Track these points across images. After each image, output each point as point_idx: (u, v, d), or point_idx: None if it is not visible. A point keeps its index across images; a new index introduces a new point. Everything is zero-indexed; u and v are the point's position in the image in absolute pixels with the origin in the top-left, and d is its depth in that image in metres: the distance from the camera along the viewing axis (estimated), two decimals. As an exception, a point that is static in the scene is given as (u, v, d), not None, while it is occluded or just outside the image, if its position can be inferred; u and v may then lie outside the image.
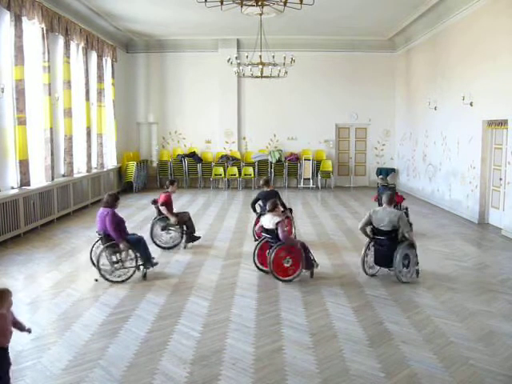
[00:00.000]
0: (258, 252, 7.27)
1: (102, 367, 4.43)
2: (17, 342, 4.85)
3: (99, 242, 7.04)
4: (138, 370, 4.38)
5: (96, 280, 6.84)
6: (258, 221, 8.40)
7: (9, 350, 3.75)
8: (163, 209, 8.47)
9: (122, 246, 6.80)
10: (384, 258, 6.92)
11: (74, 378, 4.25)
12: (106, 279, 6.79)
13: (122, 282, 6.80)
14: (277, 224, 6.87)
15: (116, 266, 6.85)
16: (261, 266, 7.29)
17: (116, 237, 6.76)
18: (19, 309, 5.87)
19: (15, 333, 5.10)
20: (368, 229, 7.05)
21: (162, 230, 8.64)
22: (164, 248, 8.64)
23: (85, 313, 5.75)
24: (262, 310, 5.86)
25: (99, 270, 6.75)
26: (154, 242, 8.55)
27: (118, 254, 6.88)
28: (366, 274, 7.12)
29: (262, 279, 7.06)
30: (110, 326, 5.38)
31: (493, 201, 11.03)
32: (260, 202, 9.08)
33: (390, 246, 6.79)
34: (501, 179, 10.52)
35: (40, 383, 4.18)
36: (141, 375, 4.30)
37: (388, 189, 10.04)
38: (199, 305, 6.00)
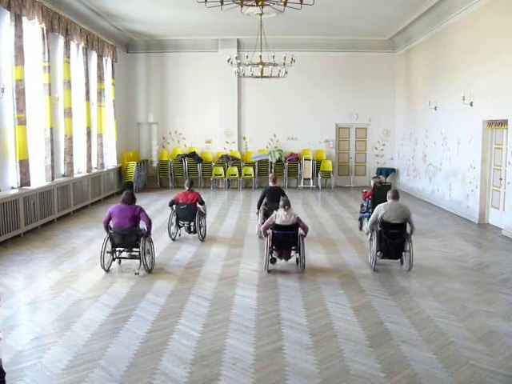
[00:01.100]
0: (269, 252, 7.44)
1: (102, 367, 4.42)
2: (17, 342, 4.86)
3: (107, 238, 7.27)
4: (138, 370, 4.38)
5: (137, 273, 7.15)
6: (265, 218, 8.69)
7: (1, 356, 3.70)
8: (203, 207, 9.49)
9: (150, 237, 7.43)
10: (396, 250, 7.36)
11: (74, 377, 4.24)
12: (148, 270, 7.29)
13: (151, 270, 7.35)
14: (298, 218, 7.34)
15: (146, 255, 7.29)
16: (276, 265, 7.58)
17: (150, 226, 7.32)
18: (19, 309, 5.89)
19: (15, 333, 5.12)
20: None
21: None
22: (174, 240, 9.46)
23: (85, 313, 5.74)
24: (262, 310, 5.86)
25: (145, 260, 7.21)
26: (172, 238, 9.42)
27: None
28: (374, 269, 7.41)
29: (262, 279, 7.06)
30: (110, 325, 5.37)
31: (493, 201, 11.03)
32: (264, 199, 9.49)
33: (402, 238, 7.27)
34: (501, 179, 10.52)
35: (40, 383, 4.17)
36: (141, 375, 4.29)
37: (384, 187, 10.05)
38: (199, 305, 6.00)
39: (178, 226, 9.51)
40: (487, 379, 4.23)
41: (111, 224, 7.30)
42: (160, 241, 9.12)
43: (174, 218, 9.39)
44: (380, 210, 7.33)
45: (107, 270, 7.29)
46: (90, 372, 4.33)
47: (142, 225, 7.37)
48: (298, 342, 4.94)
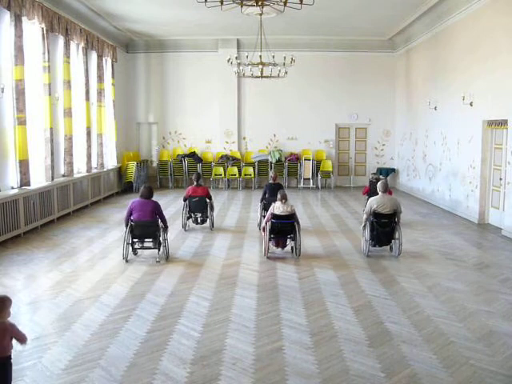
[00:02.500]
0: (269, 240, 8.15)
1: (102, 367, 4.43)
2: (17, 342, 4.85)
3: (128, 230, 7.80)
4: (138, 370, 4.38)
5: (158, 261, 7.80)
6: (265, 211, 9.52)
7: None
8: (210, 196, 10.16)
9: (167, 229, 8.07)
10: (386, 238, 8.12)
11: (74, 377, 4.25)
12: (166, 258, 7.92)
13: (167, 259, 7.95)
14: (294, 211, 8.08)
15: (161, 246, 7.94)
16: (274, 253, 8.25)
17: (165, 222, 7.99)
18: (19, 309, 5.89)
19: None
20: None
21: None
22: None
23: (85, 313, 5.74)
24: (262, 310, 5.86)
25: (167, 249, 7.96)
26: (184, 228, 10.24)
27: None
28: (367, 255, 8.15)
29: (262, 279, 7.07)
30: (110, 325, 5.38)
31: (493, 201, 11.03)
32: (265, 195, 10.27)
33: (391, 227, 8.04)
34: (501, 179, 10.52)
35: (40, 383, 4.17)
36: (141, 375, 4.29)
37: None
38: (199, 305, 6.00)
39: (187, 218, 10.18)
40: (487, 379, 4.23)
41: (132, 218, 7.84)
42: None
43: (186, 210, 10.10)
44: (373, 202, 8.09)
45: (127, 260, 7.84)
46: (90, 372, 4.33)
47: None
48: (297, 342, 4.94)
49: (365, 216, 8.22)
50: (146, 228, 7.81)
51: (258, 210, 10.61)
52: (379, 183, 8.39)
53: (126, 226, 7.86)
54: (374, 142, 18.43)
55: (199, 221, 10.18)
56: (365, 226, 8.24)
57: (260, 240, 9.25)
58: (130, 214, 7.86)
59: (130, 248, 7.92)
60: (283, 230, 8.06)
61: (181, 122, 18.17)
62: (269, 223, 7.98)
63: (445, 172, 13.33)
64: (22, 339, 3.75)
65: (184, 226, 10.20)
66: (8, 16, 9.56)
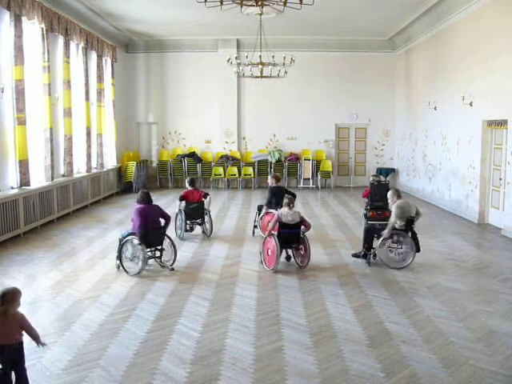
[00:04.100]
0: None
1: (101, 367, 4.43)
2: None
3: (130, 237, 7.22)
4: (137, 370, 4.38)
5: (172, 269, 7.36)
6: (268, 215, 8.85)
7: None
8: (208, 200, 9.70)
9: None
10: (417, 244, 7.58)
11: (74, 377, 4.25)
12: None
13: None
14: (302, 217, 7.55)
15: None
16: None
17: (169, 224, 7.51)
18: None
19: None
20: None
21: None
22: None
23: (85, 313, 5.75)
24: (262, 309, 5.86)
25: (175, 254, 7.51)
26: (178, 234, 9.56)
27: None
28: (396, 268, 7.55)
29: (262, 279, 7.07)
30: (110, 325, 5.38)
31: (493, 201, 11.03)
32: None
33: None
34: (500, 179, 10.52)
35: (40, 383, 4.17)
36: (141, 375, 4.30)
37: (382, 186, 10.12)
38: (199, 305, 6.00)
39: (186, 229, 9.53)
40: (487, 379, 4.23)
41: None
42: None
43: (183, 217, 9.41)
44: (405, 208, 7.50)
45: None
46: (89, 372, 4.34)
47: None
48: (297, 342, 4.94)
49: (392, 220, 7.40)
50: (161, 235, 7.31)
51: (256, 217, 9.74)
52: (395, 192, 7.80)
53: (141, 237, 7.02)
54: (374, 142, 18.43)
55: (194, 228, 9.66)
56: (384, 242, 7.48)
57: (260, 246, 8.74)
58: (142, 221, 7.07)
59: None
60: (291, 239, 7.48)
61: (181, 122, 18.16)
62: (275, 234, 7.36)
63: (444, 172, 13.33)
64: (34, 337, 3.81)
65: (180, 234, 9.44)
66: (8, 16, 9.56)
